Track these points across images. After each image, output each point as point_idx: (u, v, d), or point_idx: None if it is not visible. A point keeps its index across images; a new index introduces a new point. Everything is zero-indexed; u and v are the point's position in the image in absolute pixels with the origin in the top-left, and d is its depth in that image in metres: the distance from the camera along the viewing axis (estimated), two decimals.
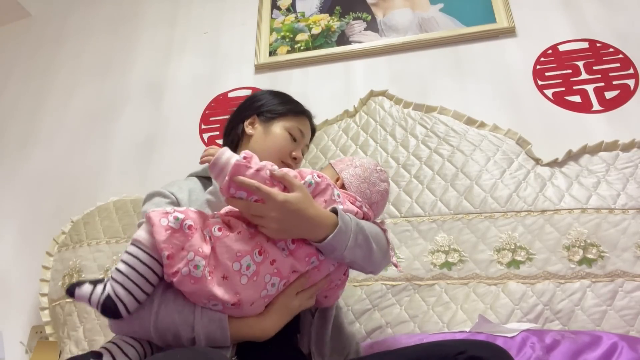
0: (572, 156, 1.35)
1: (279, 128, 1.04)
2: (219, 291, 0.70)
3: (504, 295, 1.15)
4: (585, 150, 1.34)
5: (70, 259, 1.47)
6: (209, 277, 0.70)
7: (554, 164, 1.34)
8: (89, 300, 0.69)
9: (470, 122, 1.48)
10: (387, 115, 1.56)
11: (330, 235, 0.76)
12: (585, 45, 1.60)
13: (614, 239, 1.17)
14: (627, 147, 1.32)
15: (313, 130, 1.14)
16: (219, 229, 0.74)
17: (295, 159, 1.03)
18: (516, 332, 0.98)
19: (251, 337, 0.75)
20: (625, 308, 1.08)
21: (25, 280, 1.61)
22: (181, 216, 0.72)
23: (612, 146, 1.33)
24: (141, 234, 0.72)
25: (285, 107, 1.08)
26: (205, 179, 1.03)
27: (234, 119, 1.11)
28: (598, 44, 1.59)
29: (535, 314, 1.11)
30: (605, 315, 1.09)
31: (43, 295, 1.46)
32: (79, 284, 0.70)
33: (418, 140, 1.48)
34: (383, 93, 1.62)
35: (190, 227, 0.71)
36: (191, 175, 1.07)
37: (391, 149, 1.48)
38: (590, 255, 1.16)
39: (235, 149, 1.07)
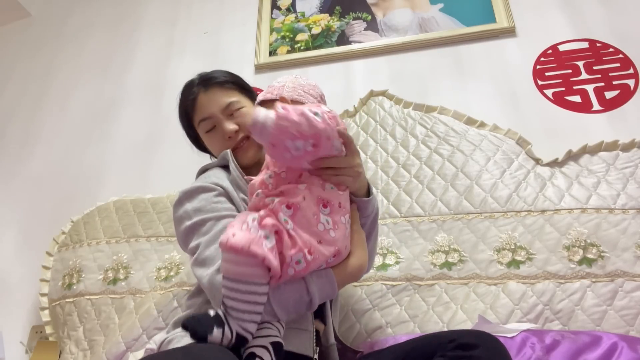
0: (572, 156, 1.35)
1: (203, 137, 1.06)
2: (324, 255, 0.74)
3: (504, 295, 1.15)
4: (585, 150, 1.34)
5: (70, 259, 1.47)
6: (310, 257, 0.72)
7: (554, 164, 1.34)
8: (223, 341, 0.68)
9: (470, 122, 1.48)
10: (387, 115, 1.56)
11: (372, 193, 0.90)
12: (585, 45, 1.60)
13: (614, 239, 1.17)
14: (627, 147, 1.32)
15: (219, 83, 1.05)
16: (287, 206, 0.74)
17: (230, 137, 0.99)
18: (516, 332, 0.98)
19: (352, 276, 0.81)
20: (625, 308, 1.08)
21: (25, 280, 1.61)
22: (267, 231, 0.70)
23: (612, 146, 1.33)
24: (246, 270, 0.69)
25: (183, 118, 1.10)
26: (223, 168, 0.99)
27: (198, 149, 1.16)
28: (598, 44, 1.59)
29: (535, 314, 1.11)
30: (605, 315, 1.08)
31: (43, 295, 1.46)
32: (201, 329, 0.67)
33: (418, 140, 1.48)
34: (383, 93, 1.62)
35: (276, 232, 0.71)
36: (210, 166, 1.02)
37: (391, 149, 1.48)
38: (590, 255, 1.16)
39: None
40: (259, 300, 0.70)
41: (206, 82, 1.05)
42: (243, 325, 0.70)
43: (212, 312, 0.70)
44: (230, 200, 0.91)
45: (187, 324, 0.68)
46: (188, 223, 0.87)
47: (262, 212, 0.72)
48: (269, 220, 0.71)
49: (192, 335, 0.68)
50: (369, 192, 0.91)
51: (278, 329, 0.75)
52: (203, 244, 0.83)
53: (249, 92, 1.10)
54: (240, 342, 0.70)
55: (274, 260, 0.68)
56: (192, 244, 0.86)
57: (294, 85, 0.91)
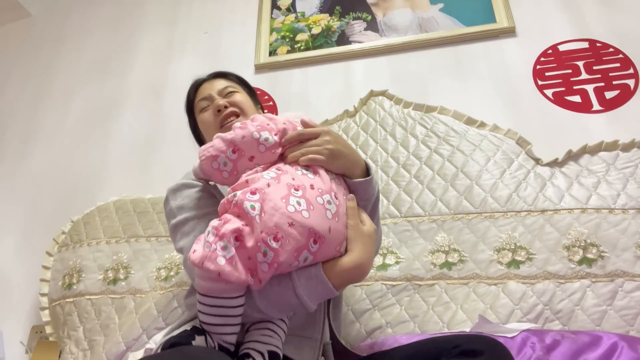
0: (572, 156, 1.35)
1: (198, 120, 1.11)
2: (297, 240, 0.69)
3: (504, 295, 1.15)
4: (585, 150, 1.34)
5: (70, 259, 1.47)
6: (279, 245, 0.68)
7: (554, 164, 1.34)
8: None
9: (470, 122, 1.48)
10: (387, 115, 1.56)
11: (372, 175, 0.86)
12: (585, 45, 1.60)
13: (614, 239, 1.17)
14: (627, 147, 1.32)
15: (219, 74, 1.14)
16: (252, 192, 0.71)
17: (219, 110, 1.03)
18: (516, 332, 0.98)
19: (350, 275, 0.74)
20: (625, 308, 1.08)
21: (25, 280, 1.61)
22: (224, 242, 0.67)
23: (612, 146, 1.33)
24: (213, 285, 0.68)
25: (186, 107, 1.15)
26: None
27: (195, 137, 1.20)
28: (598, 44, 1.59)
29: (535, 314, 1.11)
30: (605, 315, 1.08)
31: (43, 295, 1.46)
32: (185, 341, 0.68)
33: (418, 140, 1.48)
34: (383, 93, 1.62)
35: (237, 237, 0.67)
36: None
37: (391, 149, 1.48)
38: (590, 255, 1.16)
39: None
40: (231, 313, 0.69)
41: (211, 74, 1.15)
42: (222, 338, 0.70)
43: (188, 328, 0.70)
44: (213, 195, 0.92)
45: (167, 346, 0.67)
46: (173, 221, 0.89)
47: (216, 223, 0.70)
48: (228, 227, 0.67)
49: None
50: (368, 175, 0.87)
51: (279, 336, 0.74)
52: (186, 249, 0.84)
53: (250, 89, 1.16)
54: (227, 350, 0.70)
55: (233, 272, 0.65)
56: (178, 245, 0.88)
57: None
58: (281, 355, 0.72)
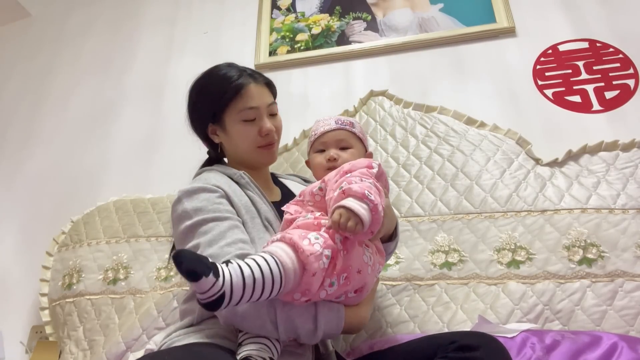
0: (572, 156, 1.35)
1: (232, 124, 0.99)
2: (355, 283, 0.78)
3: (504, 295, 1.15)
4: (585, 150, 1.34)
5: (70, 259, 1.47)
6: (343, 283, 0.76)
7: (554, 164, 1.34)
8: (207, 292, 0.63)
9: (470, 122, 1.48)
10: (387, 115, 1.56)
11: (398, 235, 1.00)
12: (585, 45, 1.60)
13: (614, 239, 1.17)
14: (627, 147, 1.32)
15: (267, 83, 1.05)
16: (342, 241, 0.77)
17: (267, 134, 0.99)
18: (516, 333, 0.98)
19: (352, 326, 0.83)
20: (625, 308, 1.08)
21: (25, 280, 1.61)
22: (329, 252, 0.73)
23: (612, 146, 1.33)
24: (286, 259, 0.70)
25: (220, 97, 0.99)
26: (223, 173, 0.99)
27: (195, 129, 1.08)
28: (598, 44, 1.59)
29: (535, 314, 1.11)
30: (605, 315, 1.08)
31: (43, 295, 1.46)
32: (203, 271, 0.62)
33: (418, 140, 1.48)
34: (383, 93, 1.62)
35: (333, 256, 0.73)
36: (210, 168, 1.02)
37: (391, 149, 1.48)
38: (590, 255, 1.16)
39: (220, 151, 1.08)
40: (268, 283, 0.67)
41: (255, 76, 1.03)
42: (235, 291, 0.65)
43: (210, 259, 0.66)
44: (231, 203, 0.90)
45: (180, 258, 0.62)
46: (188, 223, 0.86)
47: (323, 234, 0.75)
48: (330, 243, 0.74)
49: (187, 273, 0.61)
50: (391, 237, 0.98)
51: (272, 353, 0.75)
52: (204, 244, 0.82)
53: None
54: (218, 303, 0.64)
55: (317, 270, 0.70)
56: (191, 244, 0.84)
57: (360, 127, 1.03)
58: None
